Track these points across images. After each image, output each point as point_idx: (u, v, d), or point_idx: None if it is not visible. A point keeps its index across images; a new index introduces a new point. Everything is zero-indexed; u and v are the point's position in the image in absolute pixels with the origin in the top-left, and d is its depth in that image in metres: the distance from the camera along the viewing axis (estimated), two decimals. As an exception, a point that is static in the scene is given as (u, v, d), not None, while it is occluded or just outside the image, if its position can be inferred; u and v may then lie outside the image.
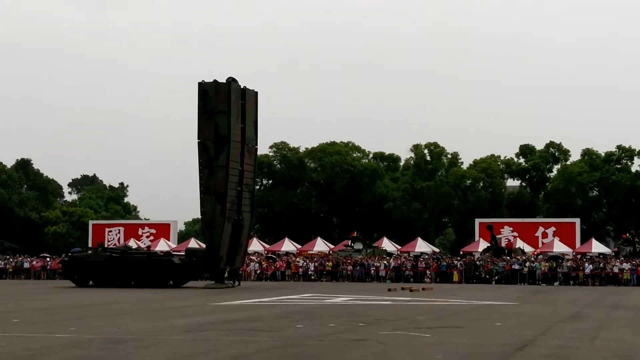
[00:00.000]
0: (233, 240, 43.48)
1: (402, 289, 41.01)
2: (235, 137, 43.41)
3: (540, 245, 64.72)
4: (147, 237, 74.12)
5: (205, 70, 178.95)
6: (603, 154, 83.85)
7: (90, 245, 67.73)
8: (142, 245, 65.55)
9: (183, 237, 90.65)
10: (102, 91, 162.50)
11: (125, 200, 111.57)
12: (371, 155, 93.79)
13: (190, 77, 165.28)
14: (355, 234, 66.65)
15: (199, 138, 43.74)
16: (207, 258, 43.28)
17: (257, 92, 45.68)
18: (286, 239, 69.46)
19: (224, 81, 43.63)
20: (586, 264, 52.05)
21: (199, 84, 43.98)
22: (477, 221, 69.65)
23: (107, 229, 76.57)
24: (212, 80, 43.82)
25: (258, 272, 56.98)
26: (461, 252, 64.75)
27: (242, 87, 44.46)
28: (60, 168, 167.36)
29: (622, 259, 53.65)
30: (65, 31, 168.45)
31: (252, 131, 45.23)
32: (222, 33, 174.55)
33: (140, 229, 76.49)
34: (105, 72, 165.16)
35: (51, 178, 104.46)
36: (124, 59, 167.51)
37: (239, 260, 45.39)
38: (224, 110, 43.17)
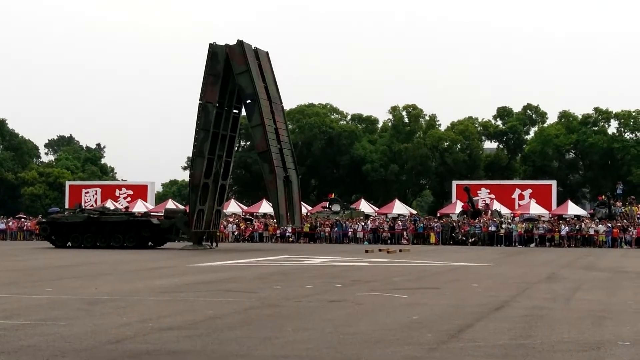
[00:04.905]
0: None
1: (380, 250, 41.20)
2: (262, 94, 42.89)
3: (516, 207, 65.06)
4: (125, 198, 73.84)
5: (184, 30, 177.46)
6: (580, 116, 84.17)
7: (67, 206, 67.40)
8: (120, 207, 65.30)
9: (160, 198, 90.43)
10: (78, 51, 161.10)
11: (102, 162, 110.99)
12: (349, 116, 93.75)
13: (172, 39, 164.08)
14: (333, 196, 66.76)
15: (200, 100, 43.29)
16: (188, 220, 43.26)
17: (268, 52, 45.18)
18: (264, 200, 69.34)
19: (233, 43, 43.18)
20: (562, 226, 52.45)
21: (210, 45, 43.44)
22: (455, 183, 69.88)
23: (84, 190, 76.19)
24: (223, 44, 43.32)
25: (236, 233, 57.05)
26: (438, 214, 65.04)
27: (253, 47, 43.94)
28: (36, 128, 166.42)
29: (598, 220, 54.07)
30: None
31: (275, 89, 44.62)
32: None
33: (117, 190, 76.17)
34: (83, 32, 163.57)
35: (27, 138, 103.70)
36: (103, 21, 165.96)
37: (297, 218, 44.60)
38: (244, 70, 42.56)
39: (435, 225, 55.07)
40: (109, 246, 43.17)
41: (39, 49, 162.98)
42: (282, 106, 45.61)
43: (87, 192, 75.59)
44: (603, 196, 60.93)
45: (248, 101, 43.00)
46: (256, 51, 44.00)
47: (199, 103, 43.34)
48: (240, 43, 42.96)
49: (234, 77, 43.09)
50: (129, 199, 73.33)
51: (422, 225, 55.43)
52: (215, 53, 43.33)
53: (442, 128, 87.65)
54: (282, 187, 42.29)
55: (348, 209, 63.09)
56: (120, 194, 75.07)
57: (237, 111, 45.40)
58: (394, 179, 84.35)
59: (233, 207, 67.33)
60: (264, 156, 42.49)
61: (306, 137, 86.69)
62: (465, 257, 35.98)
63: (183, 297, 16.85)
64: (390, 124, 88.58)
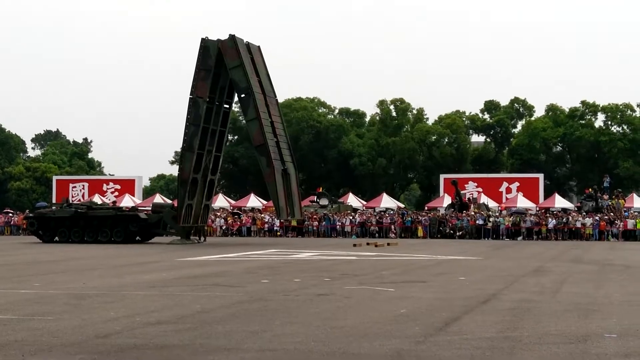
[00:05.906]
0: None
1: (368, 244, 41.23)
2: (257, 88, 42.83)
3: (504, 200, 65.18)
4: (112, 192, 73.63)
5: (173, 24, 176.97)
6: (567, 110, 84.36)
7: (54, 200, 67.17)
8: (107, 201, 65.15)
9: (148, 192, 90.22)
10: (65, 45, 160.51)
11: (90, 156, 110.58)
12: (337, 110, 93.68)
13: (161, 33, 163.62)
14: (321, 190, 66.72)
15: (191, 94, 43.19)
16: (176, 214, 43.19)
17: (259, 46, 45.11)
18: (252, 194, 69.43)
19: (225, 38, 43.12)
20: (549, 219, 52.59)
21: (202, 39, 43.42)
22: (442, 177, 69.97)
23: (71, 185, 75.93)
24: (215, 39, 43.24)
25: (224, 228, 57.00)
26: (426, 208, 65.11)
27: (245, 42, 43.86)
28: (22, 123, 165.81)
29: (585, 214, 54.24)
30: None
31: (268, 83, 44.57)
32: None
33: (104, 185, 75.93)
34: (70, 26, 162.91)
35: (14, 133, 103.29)
36: (91, 14, 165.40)
37: (297, 210, 44.70)
38: (237, 64, 42.50)
39: (423, 218, 55.15)
40: (97, 241, 43.11)
41: (24, 42, 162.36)
42: (277, 100, 45.66)
43: (75, 187, 75.33)
44: (590, 189, 61.08)
45: (242, 95, 42.98)
46: (248, 45, 43.98)
47: (190, 97, 43.28)
48: (232, 37, 42.94)
49: (225, 72, 43.04)
50: (116, 193, 73.14)
51: (409, 218, 55.49)
52: (207, 47, 43.26)
53: (430, 122, 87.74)
54: (281, 180, 42.34)
55: (336, 202, 63.11)
56: (107, 188, 74.83)
57: (227, 106, 45.37)
58: (382, 173, 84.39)
59: (221, 201, 67.27)
60: (261, 150, 42.50)
61: (294, 131, 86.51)
62: (452, 250, 36.07)
63: (171, 291, 16.85)
64: (377, 117, 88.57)
